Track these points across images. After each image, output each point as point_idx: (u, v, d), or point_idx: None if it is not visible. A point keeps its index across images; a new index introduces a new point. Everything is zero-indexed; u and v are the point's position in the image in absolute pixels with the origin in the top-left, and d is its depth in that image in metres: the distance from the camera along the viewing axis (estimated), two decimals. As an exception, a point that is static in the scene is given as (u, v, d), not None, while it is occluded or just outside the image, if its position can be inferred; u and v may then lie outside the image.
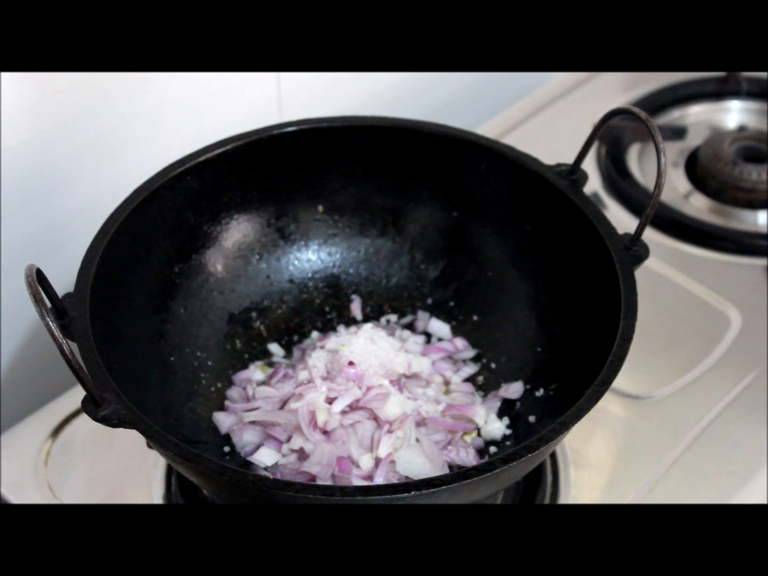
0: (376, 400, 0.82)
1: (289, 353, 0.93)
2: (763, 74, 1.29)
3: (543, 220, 0.88)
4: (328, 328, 0.95)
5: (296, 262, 0.96)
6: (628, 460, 0.91)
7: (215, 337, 0.91)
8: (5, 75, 0.82)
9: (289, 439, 0.82)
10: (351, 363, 0.83)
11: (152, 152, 0.92)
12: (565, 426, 0.68)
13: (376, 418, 0.82)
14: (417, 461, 0.80)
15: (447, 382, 0.90)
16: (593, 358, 0.74)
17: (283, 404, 0.85)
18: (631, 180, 1.18)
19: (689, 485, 0.88)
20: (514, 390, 0.87)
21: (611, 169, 1.19)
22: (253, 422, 0.83)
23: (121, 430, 0.67)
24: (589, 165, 1.18)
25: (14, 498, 0.87)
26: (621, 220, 1.11)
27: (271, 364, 0.91)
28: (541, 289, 0.89)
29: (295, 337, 0.94)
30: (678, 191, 1.19)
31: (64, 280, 0.77)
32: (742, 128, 1.26)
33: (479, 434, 0.86)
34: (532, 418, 0.84)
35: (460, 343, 0.92)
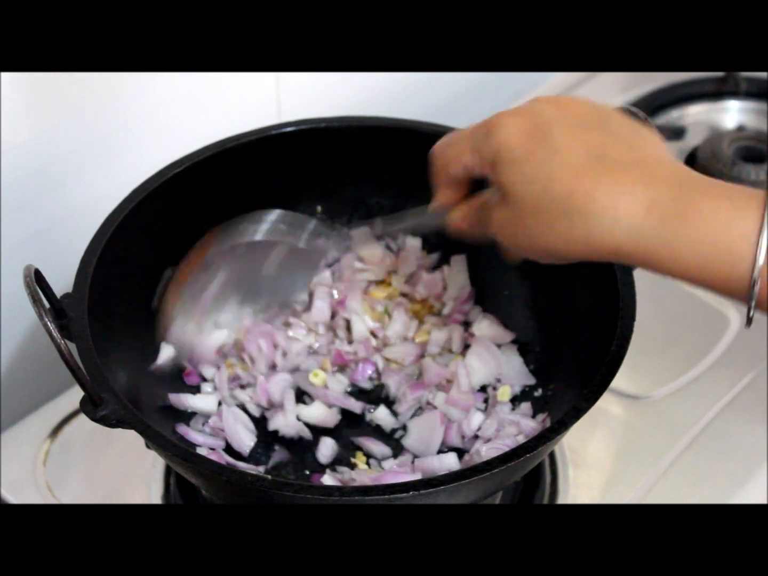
0: None
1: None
2: (762, 74, 1.29)
3: (542, 220, 0.88)
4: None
5: (296, 262, 0.96)
6: (626, 460, 0.91)
7: (214, 337, 0.90)
8: (5, 75, 0.82)
9: None
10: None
11: (151, 152, 0.92)
12: (564, 426, 0.68)
13: None
14: None
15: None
16: (592, 358, 0.74)
17: None
18: (630, 180, 1.18)
19: (688, 485, 0.88)
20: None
21: (610, 169, 1.19)
22: None
23: (119, 430, 0.67)
24: (589, 165, 1.18)
25: (13, 498, 0.87)
26: (620, 220, 1.11)
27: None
28: (540, 289, 0.89)
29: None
30: (677, 191, 1.19)
31: (62, 281, 0.77)
32: (740, 128, 1.26)
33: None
34: (531, 418, 0.84)
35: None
